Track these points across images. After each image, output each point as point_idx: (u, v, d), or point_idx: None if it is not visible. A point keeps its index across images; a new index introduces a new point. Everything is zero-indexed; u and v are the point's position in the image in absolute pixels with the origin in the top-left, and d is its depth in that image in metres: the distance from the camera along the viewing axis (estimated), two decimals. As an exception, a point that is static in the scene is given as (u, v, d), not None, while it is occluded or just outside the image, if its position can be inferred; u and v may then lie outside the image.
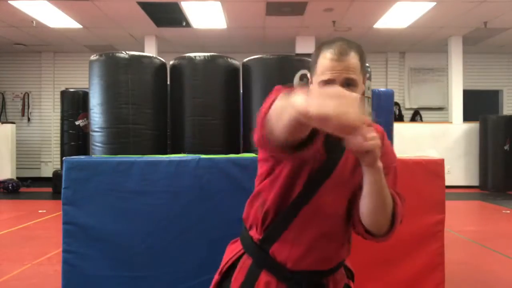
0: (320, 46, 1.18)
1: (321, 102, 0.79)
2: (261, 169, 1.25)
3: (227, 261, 1.27)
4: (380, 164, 1.03)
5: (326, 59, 1.13)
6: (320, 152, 1.14)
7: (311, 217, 1.17)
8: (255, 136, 1.07)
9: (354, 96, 0.81)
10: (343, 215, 1.21)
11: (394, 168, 1.23)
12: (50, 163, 9.77)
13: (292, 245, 1.17)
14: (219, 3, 6.51)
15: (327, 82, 1.12)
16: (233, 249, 1.29)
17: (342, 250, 1.24)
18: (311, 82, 1.20)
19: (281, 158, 1.15)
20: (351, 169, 1.18)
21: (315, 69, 1.17)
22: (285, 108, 0.89)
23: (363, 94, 1.17)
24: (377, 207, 1.12)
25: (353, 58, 1.13)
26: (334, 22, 7.48)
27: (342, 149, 1.17)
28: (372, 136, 0.96)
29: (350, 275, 1.35)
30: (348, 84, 1.12)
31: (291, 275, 1.17)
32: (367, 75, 1.24)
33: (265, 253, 1.19)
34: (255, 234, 1.22)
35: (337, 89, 0.83)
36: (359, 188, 1.15)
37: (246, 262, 1.22)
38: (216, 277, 1.28)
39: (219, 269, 1.29)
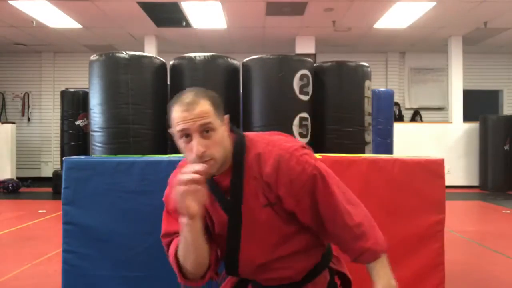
0: (172, 100, 1.22)
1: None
2: None
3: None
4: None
5: (177, 112, 1.16)
6: (219, 214, 1.24)
7: (249, 261, 1.26)
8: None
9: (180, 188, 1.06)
10: (284, 247, 1.25)
11: (312, 178, 1.20)
12: (50, 163, 9.77)
13: (249, 275, 1.30)
14: (219, 3, 6.51)
15: (184, 131, 1.14)
16: None
17: (303, 267, 1.26)
18: (174, 139, 1.22)
19: None
20: (259, 212, 1.21)
21: (171, 123, 1.20)
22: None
23: (221, 134, 1.19)
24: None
25: (203, 106, 1.15)
26: (334, 22, 7.49)
27: (237, 202, 1.22)
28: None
29: (345, 281, 1.36)
30: (205, 129, 1.14)
31: None
32: (224, 117, 1.24)
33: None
34: None
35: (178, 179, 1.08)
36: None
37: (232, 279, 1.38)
38: None
39: None
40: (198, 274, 1.21)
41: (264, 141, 1.24)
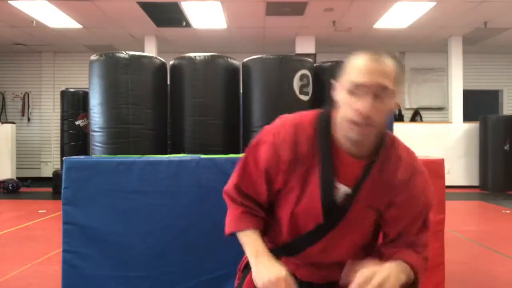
0: (358, 53, 1.09)
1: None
2: None
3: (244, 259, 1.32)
4: None
5: (363, 60, 1.03)
6: (314, 191, 1.14)
7: (324, 255, 1.21)
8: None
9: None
10: (361, 249, 1.23)
11: (425, 215, 1.17)
12: (50, 163, 9.77)
13: (305, 265, 1.24)
14: (219, 3, 6.51)
15: (360, 85, 1.02)
16: None
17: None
18: (335, 89, 1.11)
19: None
20: (360, 211, 1.16)
21: (345, 73, 1.07)
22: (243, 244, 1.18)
23: (388, 110, 1.06)
24: None
25: (391, 66, 1.03)
26: (334, 22, 7.48)
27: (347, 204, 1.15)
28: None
29: None
30: (381, 93, 1.01)
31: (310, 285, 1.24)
32: (404, 93, 1.17)
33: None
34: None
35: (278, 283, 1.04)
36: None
37: None
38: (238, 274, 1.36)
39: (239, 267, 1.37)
40: None
41: (406, 148, 1.19)
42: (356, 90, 1.02)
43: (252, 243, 1.16)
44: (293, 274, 1.17)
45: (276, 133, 1.15)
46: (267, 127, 1.19)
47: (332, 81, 1.11)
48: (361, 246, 1.21)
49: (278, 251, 1.21)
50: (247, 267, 1.26)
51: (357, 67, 1.03)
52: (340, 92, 1.08)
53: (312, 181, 1.13)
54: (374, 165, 1.12)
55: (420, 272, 1.14)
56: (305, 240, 1.18)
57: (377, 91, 1.01)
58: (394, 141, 1.17)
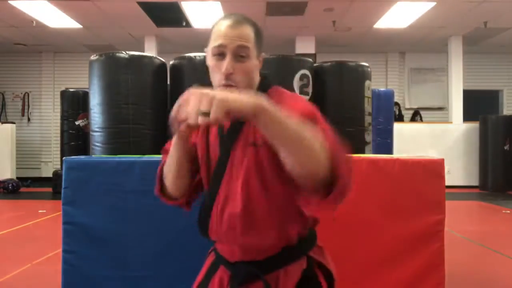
0: (217, 19, 1.19)
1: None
2: None
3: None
4: (268, 106, 0.88)
5: (221, 25, 1.13)
6: (215, 151, 1.17)
7: (224, 210, 1.14)
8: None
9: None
10: (261, 197, 1.11)
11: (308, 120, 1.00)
12: (50, 163, 9.77)
13: (220, 239, 1.21)
14: (219, 3, 6.51)
15: (219, 48, 1.11)
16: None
17: (274, 237, 1.12)
18: (206, 57, 1.18)
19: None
20: (241, 151, 1.12)
21: (209, 40, 1.16)
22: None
23: (252, 66, 1.14)
24: (295, 154, 0.94)
25: (247, 29, 1.13)
26: (334, 22, 7.49)
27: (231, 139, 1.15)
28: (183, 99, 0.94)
29: (328, 277, 1.19)
30: (241, 54, 1.10)
31: (231, 267, 1.18)
32: (264, 55, 1.20)
33: (216, 249, 1.25)
34: None
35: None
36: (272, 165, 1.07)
37: (208, 261, 1.30)
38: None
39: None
40: (173, 194, 1.25)
41: (289, 94, 1.18)
42: (217, 54, 1.11)
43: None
44: (227, 258, 1.19)
45: None
46: None
47: (204, 49, 1.19)
48: (254, 192, 1.11)
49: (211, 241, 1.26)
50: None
51: (216, 33, 1.13)
52: (208, 59, 1.16)
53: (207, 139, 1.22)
54: None
55: (331, 145, 0.96)
56: (209, 194, 1.19)
57: (236, 51, 1.10)
58: (276, 91, 1.19)
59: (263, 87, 1.18)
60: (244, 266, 1.14)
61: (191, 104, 0.88)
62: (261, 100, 0.88)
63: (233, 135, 1.14)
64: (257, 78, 1.17)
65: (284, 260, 1.14)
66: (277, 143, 0.94)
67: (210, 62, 1.15)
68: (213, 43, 1.13)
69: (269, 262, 1.13)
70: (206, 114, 0.85)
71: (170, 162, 1.19)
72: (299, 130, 0.92)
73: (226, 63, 1.09)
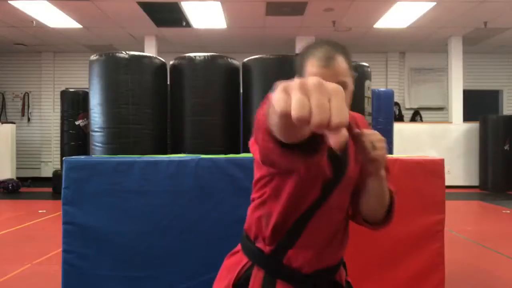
0: (305, 51, 1.14)
1: (300, 98, 0.56)
2: (260, 173, 1.15)
3: (237, 275, 1.17)
4: (383, 172, 1.06)
5: (314, 67, 1.08)
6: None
7: (323, 219, 1.14)
8: (258, 152, 0.86)
9: (335, 87, 0.58)
10: (347, 209, 1.22)
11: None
12: (50, 163, 9.77)
13: (307, 249, 1.13)
14: (219, 3, 6.51)
15: None
16: (237, 262, 1.20)
17: (344, 241, 1.23)
18: None
19: (290, 170, 1.02)
20: (356, 168, 1.16)
21: (302, 68, 1.14)
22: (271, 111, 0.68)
23: (351, 94, 1.14)
24: (377, 205, 1.15)
25: (341, 62, 1.09)
26: (334, 22, 7.48)
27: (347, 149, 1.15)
28: (380, 144, 0.99)
29: (344, 265, 1.29)
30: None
31: (307, 278, 1.14)
32: (356, 74, 1.19)
33: (279, 263, 1.14)
34: (263, 246, 1.16)
35: (316, 80, 0.58)
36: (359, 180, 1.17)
37: (258, 274, 1.15)
38: None
39: (227, 283, 1.17)
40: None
41: (363, 120, 1.29)
42: None
43: None
44: (300, 270, 1.12)
45: None
46: None
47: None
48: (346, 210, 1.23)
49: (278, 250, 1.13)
50: (241, 282, 1.15)
51: (310, 72, 1.09)
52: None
53: None
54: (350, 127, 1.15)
55: (395, 199, 1.19)
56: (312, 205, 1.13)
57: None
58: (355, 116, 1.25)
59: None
60: (322, 274, 1.17)
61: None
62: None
63: (347, 152, 1.14)
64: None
65: (341, 261, 1.25)
66: (370, 189, 1.11)
67: None
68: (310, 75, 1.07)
69: (337, 266, 1.21)
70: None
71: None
72: (385, 188, 1.12)
73: None
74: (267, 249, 1.15)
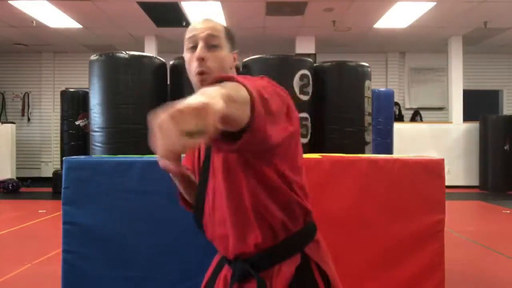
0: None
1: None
2: None
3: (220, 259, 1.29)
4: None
5: (191, 25, 1.21)
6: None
7: (214, 202, 1.16)
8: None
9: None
10: (240, 197, 1.07)
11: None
12: (50, 163, 9.77)
13: (212, 230, 1.22)
14: (219, 3, 6.51)
15: (192, 39, 1.16)
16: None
17: (255, 235, 1.08)
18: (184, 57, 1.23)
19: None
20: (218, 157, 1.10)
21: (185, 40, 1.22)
22: None
23: (225, 58, 1.18)
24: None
25: (217, 24, 1.19)
26: (334, 22, 7.49)
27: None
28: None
29: (324, 278, 1.13)
30: (211, 43, 1.15)
31: (230, 263, 1.16)
32: (236, 50, 1.24)
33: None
34: None
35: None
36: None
37: (216, 258, 1.30)
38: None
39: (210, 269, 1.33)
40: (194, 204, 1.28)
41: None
42: (190, 48, 1.17)
43: None
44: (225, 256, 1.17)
45: None
46: None
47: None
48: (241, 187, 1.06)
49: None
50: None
51: (187, 31, 1.20)
52: (185, 56, 1.21)
53: None
54: None
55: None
56: (198, 193, 1.24)
57: (207, 39, 1.15)
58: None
59: None
60: (239, 263, 1.12)
61: (159, 143, 0.68)
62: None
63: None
64: (232, 72, 1.20)
65: (277, 257, 1.10)
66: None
67: (186, 56, 1.20)
68: (186, 38, 1.20)
69: (262, 259, 1.09)
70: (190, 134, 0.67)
71: (178, 185, 1.26)
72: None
73: (197, 49, 1.15)
74: None
